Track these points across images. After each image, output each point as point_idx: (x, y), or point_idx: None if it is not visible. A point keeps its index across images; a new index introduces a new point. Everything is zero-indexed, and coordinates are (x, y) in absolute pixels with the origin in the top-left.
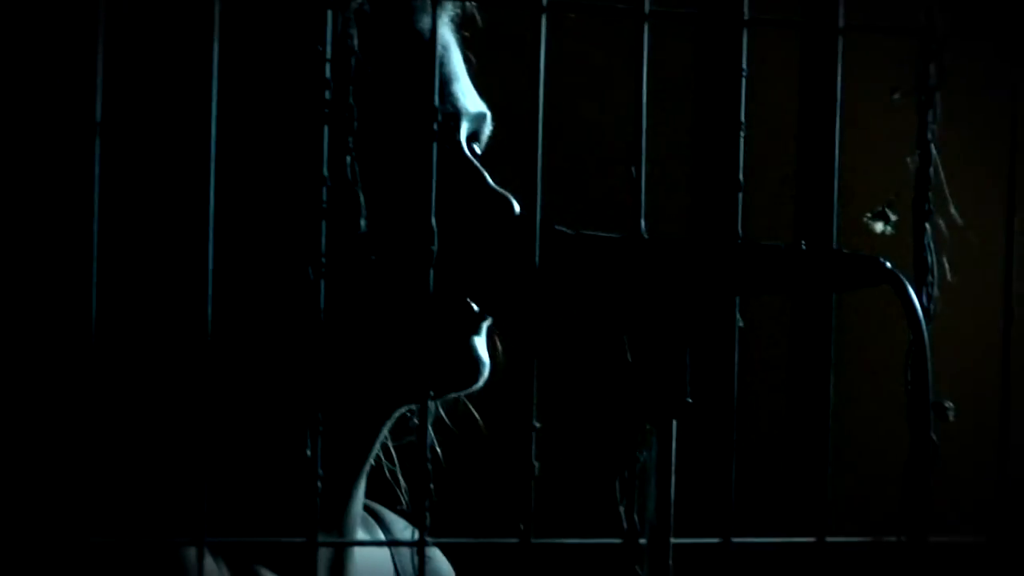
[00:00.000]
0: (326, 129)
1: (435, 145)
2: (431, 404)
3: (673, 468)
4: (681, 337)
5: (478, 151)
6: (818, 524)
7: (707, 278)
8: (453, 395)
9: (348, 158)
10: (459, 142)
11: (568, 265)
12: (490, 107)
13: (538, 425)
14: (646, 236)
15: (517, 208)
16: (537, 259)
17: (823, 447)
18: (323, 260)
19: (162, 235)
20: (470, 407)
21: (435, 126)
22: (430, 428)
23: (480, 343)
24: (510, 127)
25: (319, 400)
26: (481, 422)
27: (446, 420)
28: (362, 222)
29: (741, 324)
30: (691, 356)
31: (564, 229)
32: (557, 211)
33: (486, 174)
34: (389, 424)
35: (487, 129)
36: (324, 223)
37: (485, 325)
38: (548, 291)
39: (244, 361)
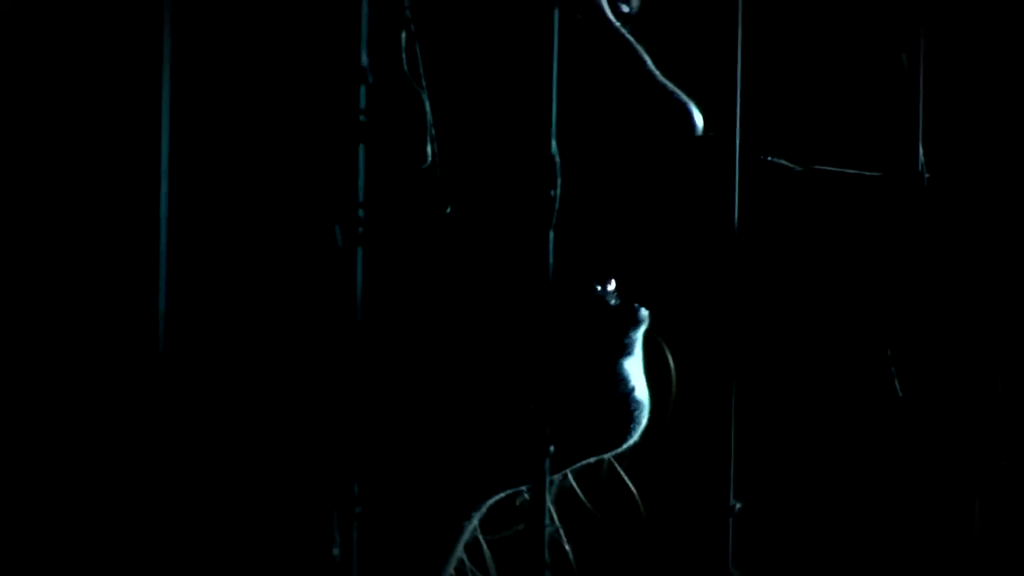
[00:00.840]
0: None
1: (556, 10)
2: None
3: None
4: (994, 347)
5: (627, 12)
6: None
7: None
8: (588, 461)
9: (403, 35)
10: (597, 2)
11: (796, 221)
12: None
13: (737, 506)
14: (926, 174)
15: (700, 122)
16: (737, 215)
17: None
18: (361, 215)
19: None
20: (618, 469)
21: None
22: (552, 510)
23: (633, 368)
24: None
25: (353, 471)
26: (638, 496)
27: (578, 493)
28: (428, 149)
29: None
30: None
31: (783, 162)
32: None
33: (647, 57)
34: (479, 515)
35: None
36: (362, 149)
37: (639, 334)
38: (760, 268)
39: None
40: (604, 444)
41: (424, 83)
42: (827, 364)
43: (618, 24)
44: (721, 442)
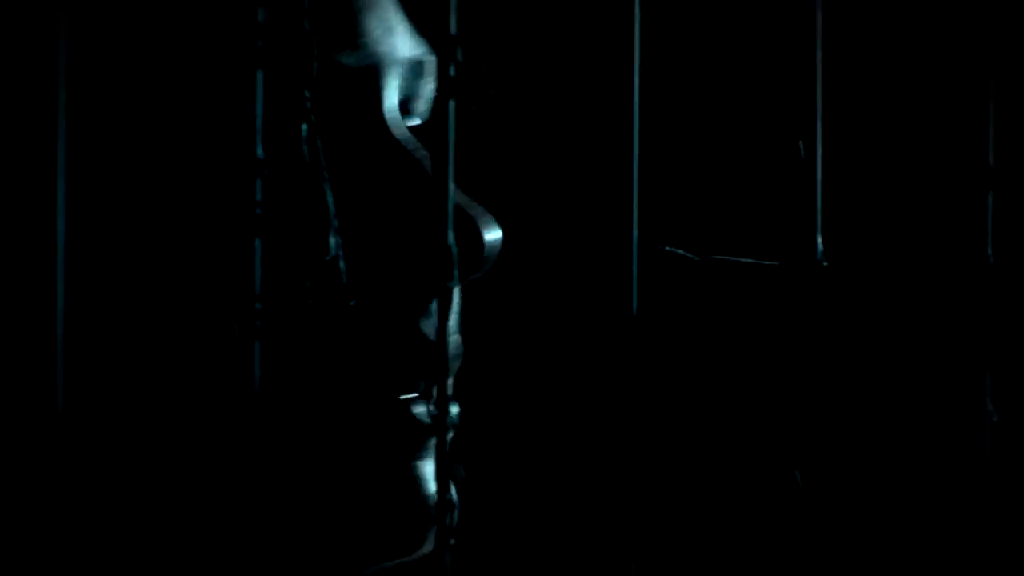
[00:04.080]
0: (259, 75)
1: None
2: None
3: None
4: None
5: (417, 121)
6: None
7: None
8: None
9: (304, 126)
10: (379, 110)
11: (695, 311)
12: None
13: None
14: (824, 262)
15: (497, 235)
16: (635, 304)
17: None
18: (258, 307)
19: None
20: None
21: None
22: None
23: (431, 470)
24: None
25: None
26: None
27: None
28: (331, 240)
29: (994, 417)
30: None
31: (682, 252)
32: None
33: (424, 162)
34: None
35: (429, 85)
36: (258, 242)
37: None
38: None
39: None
40: (401, 547)
41: (327, 178)
42: (728, 454)
43: (403, 129)
44: (625, 533)
